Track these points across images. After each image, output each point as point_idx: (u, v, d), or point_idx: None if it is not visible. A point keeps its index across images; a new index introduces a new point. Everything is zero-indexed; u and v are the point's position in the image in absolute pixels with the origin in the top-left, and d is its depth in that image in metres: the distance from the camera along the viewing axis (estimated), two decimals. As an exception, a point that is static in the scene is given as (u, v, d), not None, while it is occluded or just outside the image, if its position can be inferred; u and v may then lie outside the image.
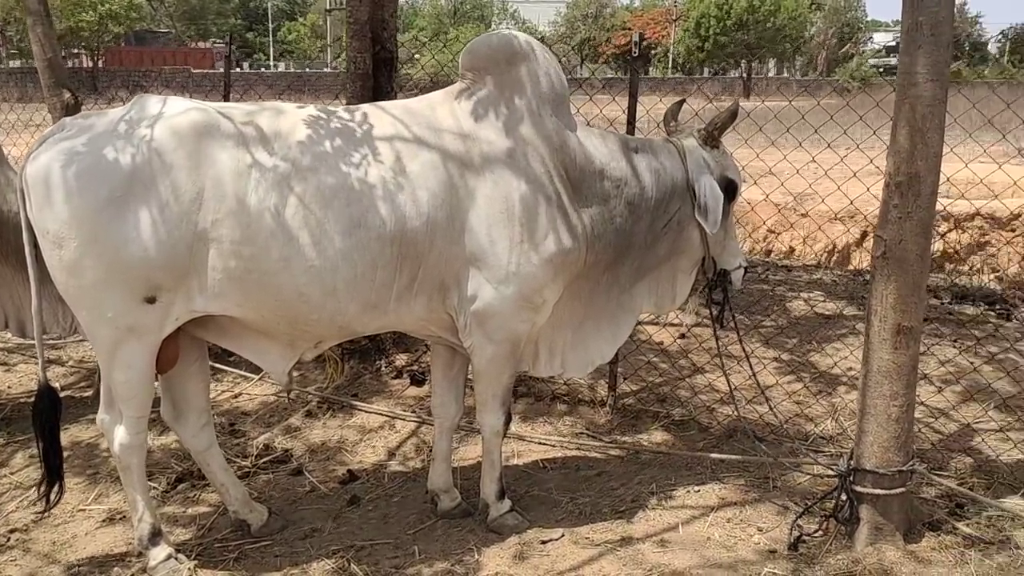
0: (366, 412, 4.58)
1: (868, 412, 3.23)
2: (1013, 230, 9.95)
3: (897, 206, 3.05)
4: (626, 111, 4.29)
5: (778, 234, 9.55)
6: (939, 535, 3.28)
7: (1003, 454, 3.86)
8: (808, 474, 3.79)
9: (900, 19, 3.05)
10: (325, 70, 45.12)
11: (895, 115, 3.03)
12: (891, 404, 3.19)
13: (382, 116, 3.08)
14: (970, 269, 9.37)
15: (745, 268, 3.58)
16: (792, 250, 9.21)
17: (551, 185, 3.10)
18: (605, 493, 3.72)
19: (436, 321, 3.20)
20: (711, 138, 3.36)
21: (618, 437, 4.29)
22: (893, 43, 71.29)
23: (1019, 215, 9.70)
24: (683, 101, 3.73)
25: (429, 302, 3.10)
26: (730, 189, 3.35)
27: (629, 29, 49.08)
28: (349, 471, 3.97)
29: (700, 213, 3.27)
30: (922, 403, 4.33)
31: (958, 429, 4.19)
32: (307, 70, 48.04)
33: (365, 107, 3.16)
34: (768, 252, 9.29)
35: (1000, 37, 70.27)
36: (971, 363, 4.82)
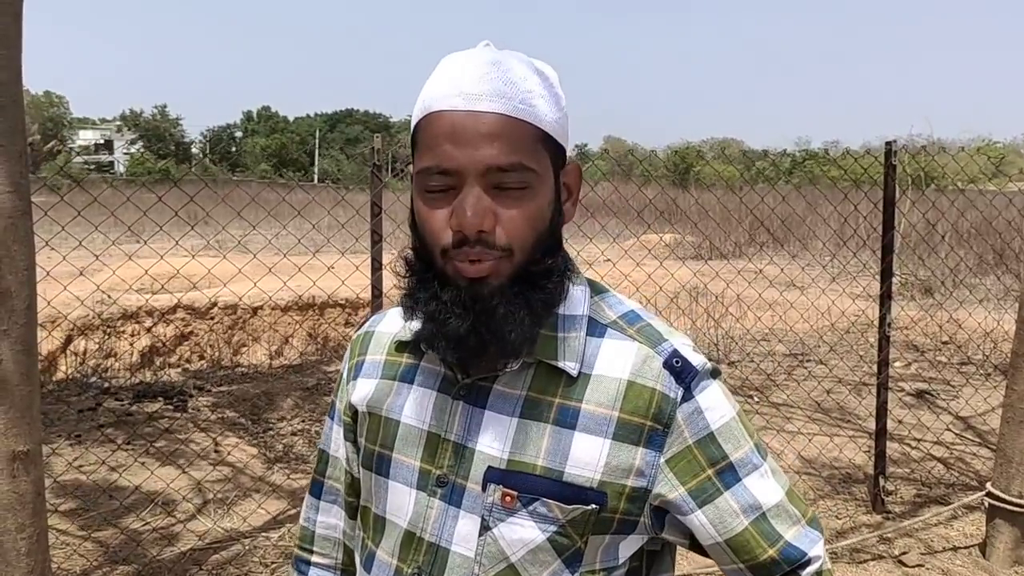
0: None
1: (-5, 554, 2.91)
2: (212, 318, 10.70)
3: (-8, 324, 2.82)
4: None
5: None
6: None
7: (164, 552, 3.91)
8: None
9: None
10: None
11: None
12: (19, 538, 2.92)
13: None
14: (179, 360, 9.71)
15: None
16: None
17: None
18: None
19: None
20: None
21: None
22: (102, 140, 72.05)
23: (216, 303, 10.47)
24: None
25: None
26: None
27: None
28: None
29: None
30: (93, 513, 4.17)
31: (118, 535, 4.09)
32: None
33: None
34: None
35: (201, 138, 77.25)
36: (138, 461, 4.84)
